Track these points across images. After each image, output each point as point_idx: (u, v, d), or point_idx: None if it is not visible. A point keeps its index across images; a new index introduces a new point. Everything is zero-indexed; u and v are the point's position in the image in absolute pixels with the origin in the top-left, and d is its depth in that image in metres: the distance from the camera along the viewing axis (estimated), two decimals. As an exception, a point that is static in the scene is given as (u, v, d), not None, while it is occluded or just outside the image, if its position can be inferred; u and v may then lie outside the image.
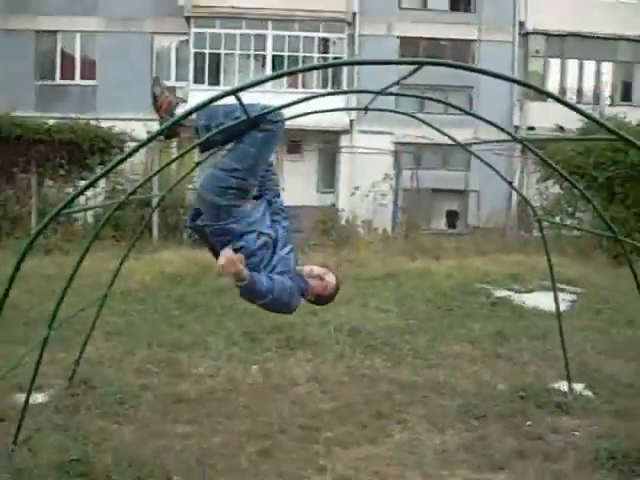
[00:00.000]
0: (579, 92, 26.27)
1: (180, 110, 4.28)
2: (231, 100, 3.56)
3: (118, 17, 24.87)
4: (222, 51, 24.72)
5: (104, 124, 18.42)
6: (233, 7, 24.07)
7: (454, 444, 5.55)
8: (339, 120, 24.23)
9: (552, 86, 25.28)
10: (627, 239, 5.22)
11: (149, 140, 3.51)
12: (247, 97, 3.70)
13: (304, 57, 24.65)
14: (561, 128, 21.09)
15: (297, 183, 22.96)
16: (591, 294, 11.44)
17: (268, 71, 24.50)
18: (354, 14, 25.13)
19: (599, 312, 10.30)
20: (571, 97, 25.33)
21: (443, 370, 7.48)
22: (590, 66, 26.24)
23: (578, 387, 6.79)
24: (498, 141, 6.18)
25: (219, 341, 8.23)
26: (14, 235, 15.60)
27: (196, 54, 24.68)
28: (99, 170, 17.35)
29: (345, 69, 24.89)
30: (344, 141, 25.24)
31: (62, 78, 25.86)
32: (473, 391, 6.80)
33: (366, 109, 5.49)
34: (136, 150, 3.61)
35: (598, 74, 26.30)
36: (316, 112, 5.77)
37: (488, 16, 25.40)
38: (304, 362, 7.60)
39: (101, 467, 4.78)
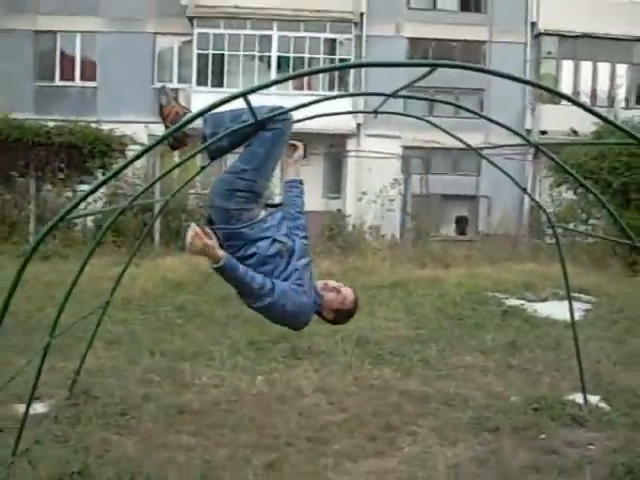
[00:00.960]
0: (593, 95, 26.22)
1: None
2: (236, 105, 3.57)
3: (119, 17, 24.93)
4: (226, 52, 24.75)
5: (105, 127, 18.47)
6: (237, 7, 24.12)
7: (466, 458, 5.53)
8: (346, 123, 24.24)
9: (565, 88, 25.21)
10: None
11: (152, 146, 3.52)
12: (252, 99, 3.71)
13: (310, 58, 24.67)
14: (575, 132, 21.06)
15: (302, 188, 22.94)
16: (606, 303, 11.42)
17: (273, 73, 24.54)
18: (361, 14, 25.15)
19: (614, 322, 10.28)
20: (584, 100, 25.27)
21: (454, 381, 7.46)
22: (604, 68, 26.20)
23: (593, 399, 6.76)
24: (511, 145, 6.20)
25: (223, 350, 8.22)
26: (11, 240, 15.64)
27: (199, 55, 24.72)
28: (99, 174, 17.40)
29: (352, 71, 24.90)
30: (351, 145, 25.24)
31: (62, 79, 25.92)
32: (485, 403, 6.78)
33: (376, 112, 5.49)
34: (140, 156, 3.62)
35: (612, 76, 26.27)
36: (323, 115, 5.78)
37: (499, 17, 25.41)
38: (311, 372, 7.58)
39: (103, 480, 4.79)
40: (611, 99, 26.08)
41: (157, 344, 8.42)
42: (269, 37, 24.83)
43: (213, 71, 24.77)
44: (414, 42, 25.57)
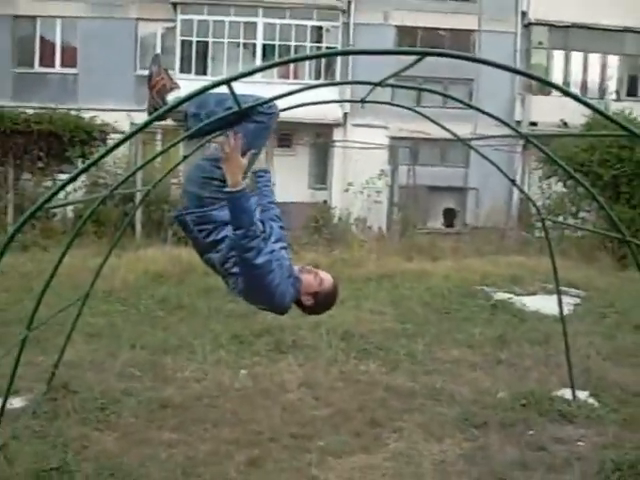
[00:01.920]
0: (583, 86, 26.26)
1: (172, 96, 4.25)
2: (223, 89, 3.53)
3: (101, 2, 24.74)
4: (210, 39, 24.64)
5: (85, 114, 18.33)
6: (222, -7, 24.04)
7: (453, 454, 5.55)
8: (332, 113, 24.18)
9: (555, 79, 25.14)
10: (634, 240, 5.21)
11: (135, 133, 3.49)
12: (236, 87, 3.68)
13: (296, 46, 24.60)
14: (565, 124, 21.12)
15: (287, 178, 22.84)
16: (595, 297, 11.48)
17: (258, 61, 24.45)
18: (349, 1, 25.10)
19: (604, 316, 10.33)
20: (575, 91, 25.33)
21: (441, 376, 7.48)
22: (595, 59, 26.26)
23: (582, 395, 6.80)
24: (501, 136, 6.20)
25: (205, 344, 8.20)
26: (-11, 230, 15.54)
27: (183, 42, 24.59)
28: (80, 163, 17.29)
29: (339, 59, 24.84)
30: (337, 135, 25.19)
31: (41, 65, 25.71)
32: (472, 398, 6.80)
33: (363, 101, 5.47)
34: (121, 143, 3.58)
35: (604, 67, 26.34)
36: (309, 104, 5.75)
37: (489, 5, 25.38)
38: (295, 367, 7.59)
39: (82, 477, 4.77)
40: (602, 90, 26.17)
41: (138, 337, 8.39)
42: (254, 24, 24.73)
43: (197, 58, 24.67)
44: (402, 30, 25.54)
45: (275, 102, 4.11)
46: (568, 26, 25.35)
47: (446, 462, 5.40)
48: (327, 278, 4.26)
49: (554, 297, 6.96)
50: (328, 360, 7.84)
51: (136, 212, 15.42)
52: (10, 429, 5.35)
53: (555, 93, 24.10)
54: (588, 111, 16.05)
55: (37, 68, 25.63)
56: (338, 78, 24.77)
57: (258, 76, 19.59)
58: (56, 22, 25.48)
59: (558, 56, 26.19)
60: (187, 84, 4.72)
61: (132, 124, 19.39)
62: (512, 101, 25.41)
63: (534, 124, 24.56)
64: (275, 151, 18.14)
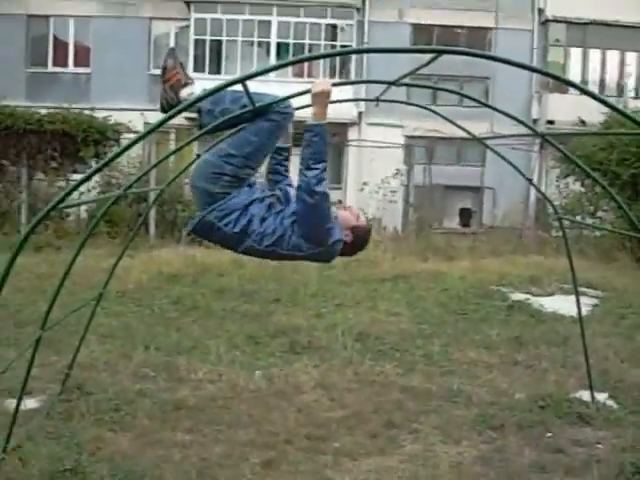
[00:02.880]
0: (601, 84, 26.16)
1: (186, 91, 4.28)
2: (239, 86, 3.56)
3: (114, 1, 24.90)
4: (224, 38, 24.72)
5: (99, 114, 18.44)
6: (236, -9, 24.09)
7: (470, 456, 5.53)
8: (347, 112, 24.18)
9: (573, 77, 25.08)
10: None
11: (149, 132, 3.49)
12: (251, 86, 3.70)
13: (311, 45, 24.62)
14: (583, 122, 21.01)
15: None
16: (614, 298, 11.40)
17: (272, 59, 24.50)
18: (363, -1, 25.12)
19: (622, 317, 10.26)
20: (593, 89, 25.16)
21: (458, 378, 7.45)
22: (613, 56, 26.14)
23: (601, 397, 6.76)
24: (518, 135, 6.17)
25: (220, 345, 8.20)
26: (2, 231, 15.63)
27: (196, 41, 24.68)
28: (93, 163, 17.38)
29: (354, 58, 24.85)
30: (352, 134, 25.22)
31: (54, 65, 25.88)
32: (490, 400, 6.77)
33: (378, 100, 5.47)
34: (135, 142, 3.60)
35: (622, 65, 26.21)
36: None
37: (505, 2, 25.33)
38: (310, 368, 7.57)
39: (96, 478, 4.77)
40: (620, 88, 26.04)
41: (152, 338, 8.41)
42: (268, 22, 24.78)
43: (210, 57, 24.74)
44: (417, 28, 25.53)
45: (290, 102, 4.14)
46: (586, 23, 25.25)
47: (463, 464, 5.38)
48: (360, 214, 4.49)
49: (572, 298, 6.92)
50: (343, 361, 7.83)
51: (150, 212, 15.49)
52: (24, 430, 5.36)
53: (572, 91, 24.02)
54: (606, 109, 15.98)
55: (50, 68, 25.79)
56: (353, 77, 24.79)
57: (272, 75, 19.63)
58: (69, 21, 25.63)
59: (575, 54, 26.09)
60: (201, 83, 4.74)
61: (146, 124, 19.46)
62: (529, 99, 25.35)
63: (551, 122, 24.48)
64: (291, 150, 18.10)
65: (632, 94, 25.57)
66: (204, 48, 24.67)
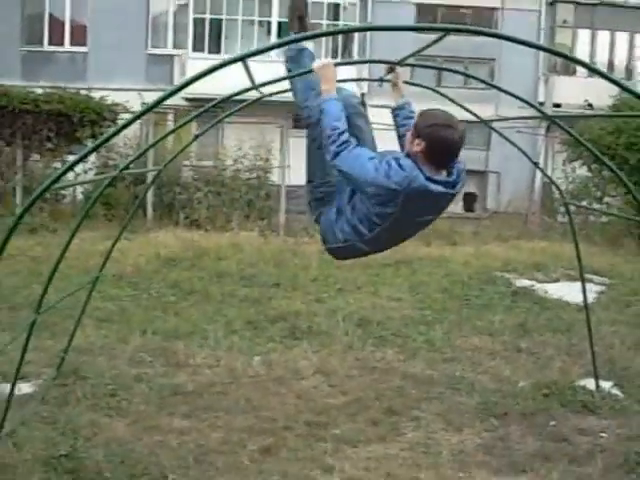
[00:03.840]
0: (610, 66, 26.02)
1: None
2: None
3: (111, -22, 24.72)
4: (224, 16, 24.56)
5: (95, 94, 18.33)
6: (236, -31, 23.97)
7: (472, 444, 5.54)
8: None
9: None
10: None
11: (145, 111, 3.48)
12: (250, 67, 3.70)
13: (313, 24, 24.44)
14: (590, 105, 20.97)
15: (302, 160, 22.83)
16: (620, 285, 11.40)
17: (273, 38, 24.32)
18: (367, -22, 24.99)
19: (629, 305, 10.26)
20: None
21: (460, 364, 7.46)
22: (622, 38, 26.02)
23: (606, 385, 6.76)
24: (524, 118, 6.14)
25: (218, 330, 8.22)
26: (-3, 212, 15.60)
27: (195, 20, 24.52)
28: (90, 144, 17.32)
29: (357, 38, 24.72)
30: (354, 116, 25.09)
31: (50, 44, 25.68)
32: (492, 387, 6.78)
33: (381, 80, 5.45)
34: (131, 122, 3.59)
35: (631, 46, 26.09)
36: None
37: (512, -18, 25.21)
38: (310, 353, 7.58)
39: (92, 463, 4.78)
40: (629, 71, 25.94)
41: (149, 322, 8.42)
42: (269, 1, 24.63)
43: (210, 37, 24.59)
44: (422, 8, 25.38)
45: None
46: (594, 4, 25.12)
47: (465, 452, 5.40)
48: None
49: (577, 284, 6.93)
50: (344, 347, 7.84)
51: (147, 194, 15.46)
52: (19, 415, 5.38)
53: (580, 74, 23.96)
54: (613, 92, 15.95)
55: (46, 46, 25.58)
56: (356, 57, 24.65)
57: (273, 54, 19.52)
58: (65, -1, 25.46)
59: (584, 35, 25.97)
60: (200, 63, 4.73)
61: (143, 104, 19.35)
62: (535, 82, 25.24)
63: (558, 105, 24.36)
64: (290, 132, 18.07)
65: (641, 76, 25.50)
66: (203, 27, 24.52)
